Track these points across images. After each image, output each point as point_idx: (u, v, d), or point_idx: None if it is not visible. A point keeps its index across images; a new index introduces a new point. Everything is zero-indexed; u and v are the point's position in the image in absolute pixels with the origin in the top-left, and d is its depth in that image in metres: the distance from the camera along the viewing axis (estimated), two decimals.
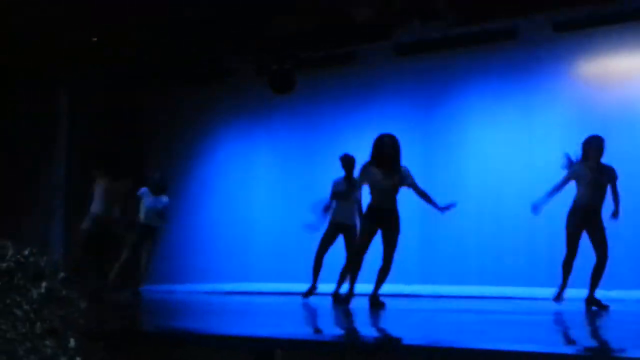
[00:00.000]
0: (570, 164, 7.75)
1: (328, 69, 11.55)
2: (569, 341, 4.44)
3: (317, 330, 5.32)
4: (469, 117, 10.65)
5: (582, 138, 7.83)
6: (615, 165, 8.19)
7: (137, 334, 4.88)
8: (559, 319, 6.41)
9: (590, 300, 7.59)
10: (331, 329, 5.63)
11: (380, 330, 5.46)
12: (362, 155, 8.23)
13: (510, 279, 9.74)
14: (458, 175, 10.41)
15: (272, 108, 11.94)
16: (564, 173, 7.80)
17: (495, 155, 10.28)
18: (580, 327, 5.80)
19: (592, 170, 7.65)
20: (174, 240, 12.08)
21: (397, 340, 4.63)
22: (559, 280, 7.75)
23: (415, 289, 9.85)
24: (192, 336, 4.87)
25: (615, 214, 7.68)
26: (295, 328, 5.48)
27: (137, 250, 10.29)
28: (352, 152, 8.85)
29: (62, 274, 2.60)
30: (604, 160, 7.79)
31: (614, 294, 8.42)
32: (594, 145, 7.69)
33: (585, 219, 7.62)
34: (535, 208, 7.84)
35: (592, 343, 4.51)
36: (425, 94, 10.88)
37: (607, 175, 7.72)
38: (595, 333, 5.33)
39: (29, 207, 11.77)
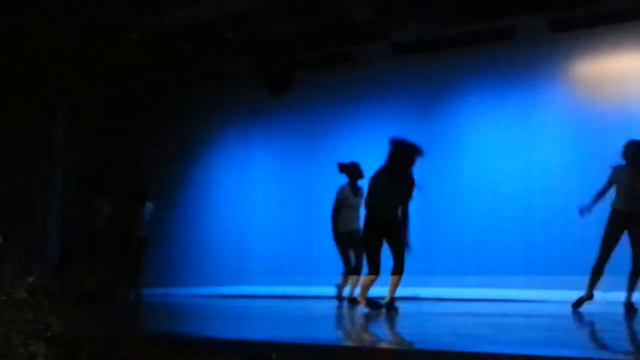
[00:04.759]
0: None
1: (326, 69, 11.48)
2: (568, 344, 4.41)
3: (313, 334, 5.29)
4: (467, 116, 10.62)
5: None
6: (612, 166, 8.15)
7: (134, 339, 4.85)
8: (557, 322, 6.37)
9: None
10: (326, 332, 5.61)
11: (375, 334, 5.43)
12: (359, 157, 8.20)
13: (506, 279, 9.72)
14: (456, 175, 10.38)
15: (269, 109, 11.88)
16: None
17: (493, 155, 10.23)
18: (579, 331, 5.77)
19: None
20: (171, 243, 12.06)
21: (394, 344, 4.60)
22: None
23: (413, 291, 9.77)
24: (188, 340, 4.84)
25: None
26: (291, 332, 5.46)
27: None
28: (349, 154, 8.79)
29: (30, 280, 2.55)
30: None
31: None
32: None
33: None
34: (583, 211, 7.60)
35: (588, 346, 4.47)
36: (423, 94, 10.83)
37: None
38: (592, 336, 5.30)
39: (25, 221, 11.50)
